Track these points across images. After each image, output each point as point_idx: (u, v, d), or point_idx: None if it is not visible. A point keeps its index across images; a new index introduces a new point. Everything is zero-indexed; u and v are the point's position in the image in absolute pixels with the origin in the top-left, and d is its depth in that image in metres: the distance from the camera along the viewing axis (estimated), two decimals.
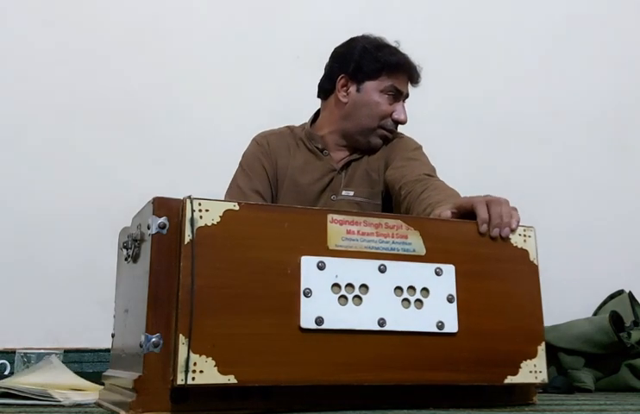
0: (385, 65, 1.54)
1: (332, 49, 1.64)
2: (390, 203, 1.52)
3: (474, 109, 2.34)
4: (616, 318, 1.60)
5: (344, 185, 1.55)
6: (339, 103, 1.58)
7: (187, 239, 0.85)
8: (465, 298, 0.96)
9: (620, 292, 2.07)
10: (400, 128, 1.63)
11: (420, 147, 1.60)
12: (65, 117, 2.15)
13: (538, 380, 0.99)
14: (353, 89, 1.56)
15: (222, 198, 1.19)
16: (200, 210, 0.87)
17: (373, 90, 1.54)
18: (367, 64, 1.54)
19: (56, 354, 1.48)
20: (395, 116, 1.55)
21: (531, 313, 1.01)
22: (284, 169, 1.58)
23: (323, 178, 1.56)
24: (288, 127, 1.67)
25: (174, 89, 2.22)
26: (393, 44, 1.59)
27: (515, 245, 1.02)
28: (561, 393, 1.43)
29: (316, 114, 1.67)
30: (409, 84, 1.59)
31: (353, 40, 1.60)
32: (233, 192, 1.55)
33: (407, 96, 1.59)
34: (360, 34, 1.62)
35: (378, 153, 1.59)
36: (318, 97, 1.66)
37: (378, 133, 1.56)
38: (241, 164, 1.61)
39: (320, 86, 1.64)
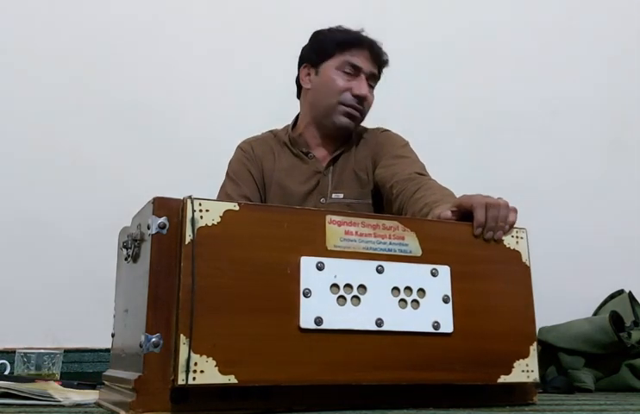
0: (338, 42, 1.55)
1: None
2: (380, 201, 1.52)
3: (473, 108, 2.35)
4: (616, 318, 1.60)
5: (333, 187, 1.55)
6: (305, 92, 1.61)
7: (188, 239, 0.85)
8: (459, 299, 0.97)
9: (620, 292, 2.07)
10: (395, 126, 1.63)
11: (407, 144, 1.59)
12: (65, 117, 2.15)
13: (530, 380, 1.00)
14: (313, 73, 1.59)
15: None
16: (200, 211, 0.87)
17: (329, 69, 1.55)
18: (324, 45, 1.57)
19: (56, 353, 1.47)
20: (355, 90, 1.53)
21: (524, 313, 1.02)
22: (270, 173, 1.58)
23: (309, 180, 1.56)
24: (271, 131, 1.68)
25: (175, 89, 2.22)
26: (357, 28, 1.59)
27: (508, 246, 1.03)
28: (562, 393, 1.43)
29: (297, 116, 1.68)
30: (374, 64, 1.56)
31: (314, 33, 1.64)
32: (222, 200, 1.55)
33: (373, 75, 1.56)
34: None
35: (364, 151, 1.59)
36: (297, 97, 1.68)
37: (339, 110, 1.54)
38: (227, 173, 1.62)
39: (296, 86, 1.67)
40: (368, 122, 1.71)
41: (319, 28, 1.64)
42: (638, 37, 2.49)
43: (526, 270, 1.04)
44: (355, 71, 1.54)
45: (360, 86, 1.53)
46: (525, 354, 1.00)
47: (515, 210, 1.05)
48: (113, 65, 2.21)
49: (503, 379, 0.98)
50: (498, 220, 1.02)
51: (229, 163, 1.64)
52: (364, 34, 1.57)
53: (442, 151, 2.18)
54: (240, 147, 1.65)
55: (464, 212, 1.05)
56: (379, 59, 1.57)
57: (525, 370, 0.99)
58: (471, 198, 1.05)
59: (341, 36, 1.56)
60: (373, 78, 1.57)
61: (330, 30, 1.59)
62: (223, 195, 1.57)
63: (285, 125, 1.68)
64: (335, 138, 1.60)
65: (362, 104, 1.55)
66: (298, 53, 1.67)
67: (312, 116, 1.60)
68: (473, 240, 1.02)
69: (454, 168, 1.99)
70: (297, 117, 1.68)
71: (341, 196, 1.54)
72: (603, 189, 2.36)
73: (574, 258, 2.22)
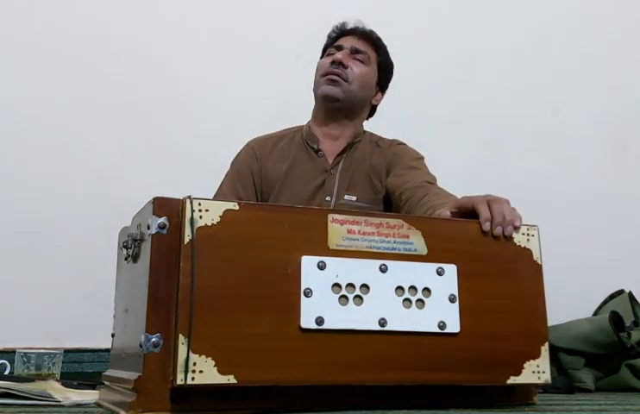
0: (327, 42, 1.70)
1: None
2: (390, 209, 1.54)
3: (474, 110, 2.34)
4: (616, 318, 1.60)
5: (345, 188, 1.56)
6: None
7: (187, 239, 0.85)
8: (467, 298, 0.96)
9: (620, 292, 2.06)
10: (395, 127, 1.63)
11: (422, 158, 1.61)
12: (65, 117, 2.15)
13: (541, 381, 0.98)
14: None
15: None
16: (200, 210, 0.87)
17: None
18: (323, 49, 1.71)
19: (56, 353, 1.47)
20: (332, 59, 1.60)
21: (535, 313, 1.00)
22: (275, 173, 1.59)
23: (315, 178, 1.57)
24: (285, 130, 1.69)
25: (175, 89, 2.22)
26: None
27: (518, 244, 1.01)
28: (562, 393, 1.43)
29: None
30: (358, 41, 1.64)
31: None
32: (218, 198, 1.55)
33: (356, 49, 1.62)
34: None
35: (379, 158, 1.60)
36: None
37: (321, 81, 1.61)
38: (230, 167, 1.64)
39: None
40: (374, 128, 1.71)
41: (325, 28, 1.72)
42: (638, 36, 2.49)
43: (538, 268, 1.01)
44: (337, 50, 1.63)
45: (337, 55, 1.60)
46: (536, 355, 0.98)
47: (515, 210, 1.05)
48: (113, 65, 2.20)
49: (512, 379, 0.96)
50: (505, 214, 1.00)
51: (236, 156, 1.66)
52: (351, 23, 1.67)
53: (441, 151, 2.17)
54: (248, 145, 1.67)
55: (465, 213, 1.05)
56: (363, 36, 1.65)
57: (536, 371, 0.98)
58: (472, 198, 1.05)
59: (328, 37, 1.70)
60: (358, 52, 1.62)
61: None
62: (220, 192, 1.60)
63: (302, 124, 1.70)
64: (336, 122, 1.61)
65: (340, 68, 1.59)
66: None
67: (315, 108, 1.67)
68: (482, 238, 1.00)
69: (454, 169, 1.99)
70: None
71: (354, 198, 1.55)
72: (603, 189, 2.35)
73: (574, 258, 2.21)
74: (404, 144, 1.66)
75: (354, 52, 1.62)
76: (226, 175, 1.63)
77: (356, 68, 1.60)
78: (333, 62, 1.59)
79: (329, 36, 1.70)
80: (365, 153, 1.61)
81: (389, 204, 1.55)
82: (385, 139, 1.67)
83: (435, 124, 2.28)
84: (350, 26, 1.67)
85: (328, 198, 1.55)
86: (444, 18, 2.42)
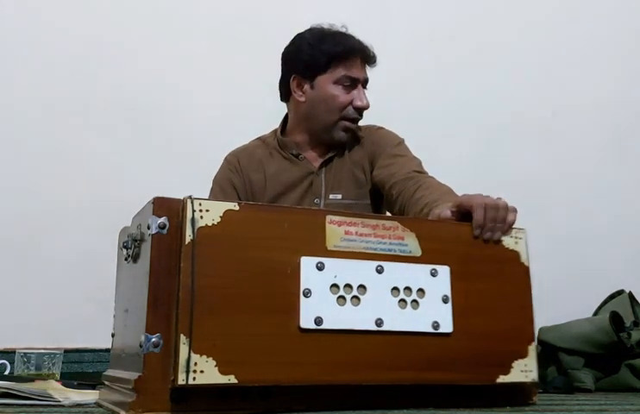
0: (331, 55, 1.49)
1: None
2: (379, 202, 1.52)
3: (474, 109, 2.35)
4: (616, 318, 1.60)
5: (330, 188, 1.54)
6: (298, 104, 1.55)
7: (188, 239, 0.85)
8: (459, 299, 0.98)
9: (620, 292, 2.06)
10: (395, 126, 1.62)
11: (402, 141, 1.58)
12: (65, 117, 2.15)
13: (529, 379, 1.00)
14: (307, 87, 1.52)
15: None
16: (200, 211, 0.87)
17: (326, 84, 1.50)
18: (315, 59, 1.50)
19: (56, 353, 1.47)
20: (356, 103, 1.49)
21: (522, 313, 1.02)
22: (259, 183, 1.55)
23: (301, 182, 1.54)
24: (259, 138, 1.65)
25: (175, 89, 2.22)
26: (341, 29, 1.54)
27: (507, 247, 1.04)
28: (562, 393, 1.43)
29: (286, 117, 1.64)
30: (365, 68, 1.53)
31: (297, 38, 1.57)
32: None
33: (366, 81, 1.53)
34: (358, 33, 1.62)
35: (360, 151, 1.57)
36: (281, 100, 1.63)
37: (340, 126, 1.52)
38: (212, 185, 1.60)
39: (279, 90, 1.62)
40: (368, 121, 1.71)
41: (300, 32, 1.58)
42: (638, 36, 2.49)
43: (525, 270, 1.04)
44: (353, 82, 1.50)
45: (361, 97, 1.50)
46: (524, 354, 1.00)
47: (514, 211, 1.05)
48: (113, 65, 2.21)
49: (502, 379, 0.98)
50: (496, 221, 1.02)
51: (216, 174, 1.61)
52: (350, 34, 1.53)
53: (442, 151, 2.18)
54: (226, 160, 1.62)
55: (464, 212, 1.05)
56: (370, 62, 1.54)
57: (524, 370, 0.99)
58: (471, 199, 1.06)
59: (332, 49, 1.50)
60: (366, 82, 1.54)
61: (318, 39, 1.52)
62: None
63: (273, 129, 1.65)
64: (330, 145, 1.58)
65: (360, 114, 1.52)
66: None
67: (307, 126, 1.56)
68: (473, 240, 1.02)
69: (455, 168, 1.99)
70: (284, 120, 1.64)
71: (339, 197, 1.53)
72: (603, 189, 2.36)
73: (574, 258, 2.22)
74: (382, 128, 1.61)
75: (365, 83, 1.53)
76: (210, 193, 1.58)
77: (367, 102, 1.52)
78: (359, 109, 1.50)
79: (337, 53, 1.49)
80: (344, 148, 1.57)
81: (378, 198, 1.52)
82: (362, 127, 1.61)
83: (434, 124, 2.28)
84: (356, 41, 1.52)
85: (317, 201, 1.53)
86: (444, 17, 2.42)
